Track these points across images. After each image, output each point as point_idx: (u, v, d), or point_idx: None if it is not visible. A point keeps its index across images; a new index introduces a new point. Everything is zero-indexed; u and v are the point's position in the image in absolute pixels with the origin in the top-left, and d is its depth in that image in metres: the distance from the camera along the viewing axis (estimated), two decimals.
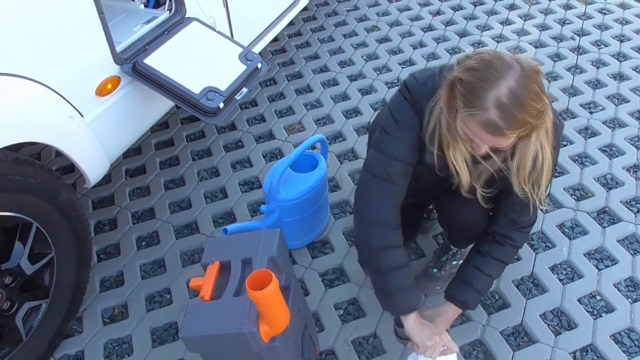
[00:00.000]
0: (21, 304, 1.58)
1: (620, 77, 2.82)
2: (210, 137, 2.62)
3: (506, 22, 3.32)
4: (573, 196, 2.19)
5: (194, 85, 1.84)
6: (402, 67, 2.99)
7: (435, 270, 1.85)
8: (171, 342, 1.81)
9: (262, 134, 2.62)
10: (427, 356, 1.45)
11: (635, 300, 1.82)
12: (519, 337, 1.74)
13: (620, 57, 2.96)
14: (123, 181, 2.42)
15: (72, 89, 1.57)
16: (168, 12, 2.00)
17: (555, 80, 2.82)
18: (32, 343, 1.64)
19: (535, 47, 3.08)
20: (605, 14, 3.33)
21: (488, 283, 1.55)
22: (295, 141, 2.54)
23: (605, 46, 3.05)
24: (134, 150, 2.57)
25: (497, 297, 1.86)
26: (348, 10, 3.56)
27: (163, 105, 2.02)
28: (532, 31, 3.22)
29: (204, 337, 1.28)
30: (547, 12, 3.39)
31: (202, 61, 1.96)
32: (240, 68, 1.99)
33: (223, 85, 1.90)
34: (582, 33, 3.17)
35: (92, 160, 1.69)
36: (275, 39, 3.20)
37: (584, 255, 1.97)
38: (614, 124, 2.53)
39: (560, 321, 1.78)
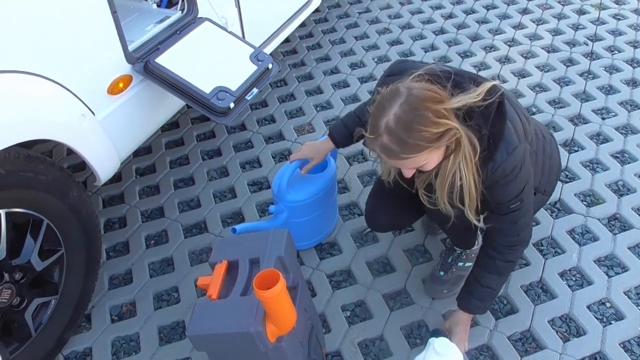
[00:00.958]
0: (31, 299, 1.59)
1: (633, 83, 2.79)
2: (220, 137, 2.63)
3: (519, 26, 3.31)
4: (584, 202, 2.17)
5: (205, 84, 1.84)
6: None
7: (442, 273, 1.84)
8: (178, 340, 1.81)
9: (272, 134, 2.63)
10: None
11: None
12: (527, 342, 1.73)
13: (634, 63, 2.93)
14: (133, 180, 2.44)
15: (84, 87, 1.58)
16: (180, 12, 2.01)
17: (567, 85, 2.80)
18: (40, 339, 1.65)
19: (548, 51, 3.06)
20: (619, 19, 3.31)
21: (490, 293, 1.60)
22: (305, 142, 2.53)
23: (619, 52, 3.02)
24: (145, 149, 2.58)
25: (505, 302, 1.85)
26: (360, 12, 3.56)
27: (173, 104, 2.03)
28: (544, 36, 3.20)
29: (210, 336, 1.29)
30: (560, 17, 3.37)
31: (213, 61, 1.97)
32: (251, 68, 2.00)
33: (234, 85, 1.91)
34: (595, 38, 3.15)
35: (103, 159, 1.70)
36: (287, 40, 3.21)
37: (594, 261, 1.95)
38: (627, 130, 2.51)
39: (569, 328, 1.76)
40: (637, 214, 2.11)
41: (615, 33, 3.18)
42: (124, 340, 1.83)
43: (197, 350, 1.37)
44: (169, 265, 2.07)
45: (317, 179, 1.93)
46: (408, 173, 1.37)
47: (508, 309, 1.83)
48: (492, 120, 1.31)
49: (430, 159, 1.28)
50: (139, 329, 1.85)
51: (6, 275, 1.50)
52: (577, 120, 2.58)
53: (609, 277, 1.90)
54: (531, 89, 2.79)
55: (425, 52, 3.13)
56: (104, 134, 1.68)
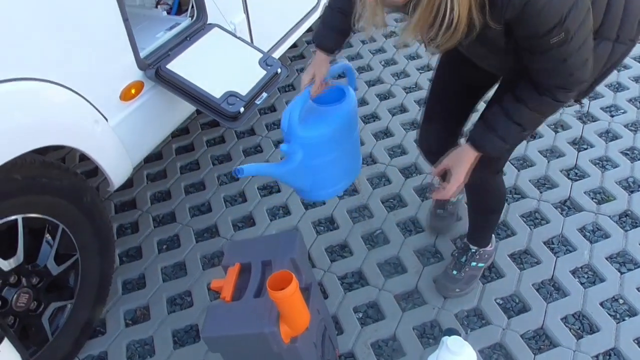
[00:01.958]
0: (47, 304, 1.62)
1: None
2: (230, 142, 2.66)
3: None
4: (594, 199, 2.17)
5: (215, 90, 1.87)
6: (420, 72, 2.99)
7: (455, 272, 1.84)
8: (192, 343, 1.83)
9: (281, 139, 2.64)
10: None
11: None
12: (540, 340, 1.73)
13: None
14: (144, 185, 2.46)
15: (97, 93, 1.61)
16: (190, 18, 2.04)
17: None
18: (57, 343, 1.67)
19: None
20: None
21: (516, 133, 1.32)
22: None
23: None
24: (155, 155, 2.61)
25: (517, 301, 1.85)
26: None
27: (184, 109, 2.06)
28: None
29: (225, 337, 1.30)
30: None
31: (223, 66, 2.00)
32: (260, 73, 2.02)
33: (243, 90, 1.93)
34: None
35: (116, 164, 1.72)
36: (294, 45, 3.23)
37: (606, 258, 1.95)
38: (636, 127, 2.50)
39: (582, 325, 1.76)
40: None
41: None
42: (138, 344, 1.85)
43: (212, 352, 1.39)
44: (181, 269, 2.09)
45: (333, 111, 1.62)
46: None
47: (520, 307, 1.83)
48: None
49: None
50: (153, 333, 1.87)
51: (23, 280, 1.52)
52: (586, 118, 2.58)
53: (622, 273, 1.89)
54: None
55: (433, 53, 3.14)
56: (116, 139, 1.70)
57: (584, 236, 2.03)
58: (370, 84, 2.95)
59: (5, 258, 1.46)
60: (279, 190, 2.36)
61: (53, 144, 1.48)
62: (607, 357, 1.67)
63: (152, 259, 2.12)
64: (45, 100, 1.45)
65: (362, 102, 2.83)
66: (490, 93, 1.54)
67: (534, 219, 2.12)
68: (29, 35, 1.39)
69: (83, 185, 1.63)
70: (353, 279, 1.98)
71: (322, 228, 2.17)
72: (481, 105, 1.59)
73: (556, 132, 2.51)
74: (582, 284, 1.87)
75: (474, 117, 1.53)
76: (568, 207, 2.15)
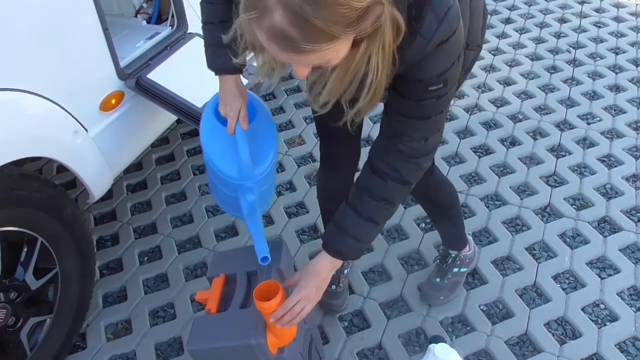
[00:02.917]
0: (26, 319, 1.57)
1: (616, 88, 2.85)
2: None
3: (502, 35, 3.36)
4: (573, 206, 2.20)
5: (196, 99, 1.85)
6: None
7: (438, 280, 1.85)
8: (175, 357, 1.80)
9: None
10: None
11: (639, 309, 1.82)
12: (524, 346, 1.74)
13: (616, 69, 2.99)
14: (124, 196, 2.42)
15: (77, 104, 1.58)
16: (170, 28, 2.03)
17: (552, 92, 2.85)
18: (36, 359, 1.63)
19: (532, 59, 3.12)
20: (600, 27, 3.38)
21: (370, 229, 1.21)
22: (296, 155, 2.55)
23: (601, 58, 3.08)
24: (135, 166, 2.57)
25: (500, 307, 1.86)
26: None
27: (165, 119, 2.04)
28: (528, 44, 3.26)
29: (211, 349, 1.28)
30: (542, 25, 3.44)
31: (204, 76, 1.97)
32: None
33: None
34: (577, 46, 3.22)
35: (97, 175, 1.70)
36: None
37: (586, 264, 1.98)
38: (612, 134, 2.55)
39: (565, 330, 1.78)
40: (626, 216, 2.14)
41: (597, 40, 3.25)
42: (120, 359, 1.81)
43: None
44: (163, 281, 2.06)
45: (256, 129, 1.42)
46: (302, 72, 0.93)
47: (504, 313, 1.84)
48: None
49: (339, 51, 0.86)
50: (135, 347, 1.83)
51: (1, 295, 1.48)
52: (563, 125, 2.62)
53: (602, 279, 1.92)
54: (517, 97, 2.84)
55: None
56: (97, 150, 1.67)
57: (565, 242, 2.06)
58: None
59: None
60: None
61: (31, 156, 1.45)
62: None
63: (133, 271, 2.09)
64: (23, 111, 1.42)
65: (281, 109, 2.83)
66: None
67: (515, 225, 2.15)
68: (6, 45, 1.36)
69: (63, 198, 1.60)
70: None
71: (305, 237, 2.16)
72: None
73: (535, 139, 2.55)
74: (563, 289, 1.90)
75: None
76: (548, 213, 2.18)
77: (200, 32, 1.98)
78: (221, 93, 1.37)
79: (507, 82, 2.95)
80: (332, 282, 1.84)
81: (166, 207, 2.36)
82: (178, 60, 1.93)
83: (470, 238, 1.93)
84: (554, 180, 2.33)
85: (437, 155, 1.45)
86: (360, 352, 1.76)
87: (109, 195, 2.41)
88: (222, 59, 1.27)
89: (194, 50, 2.01)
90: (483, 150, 2.51)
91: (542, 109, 2.74)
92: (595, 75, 2.95)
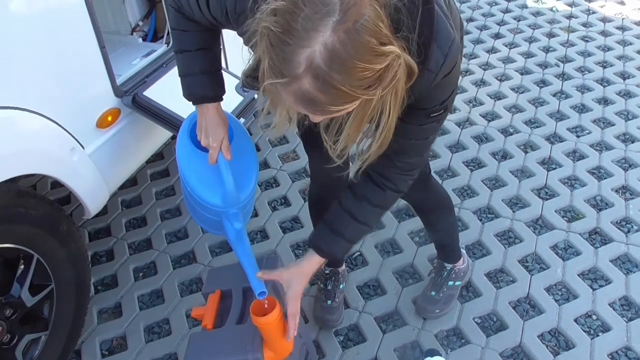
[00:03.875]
0: (22, 336, 1.57)
1: (604, 101, 2.90)
2: None
3: (492, 50, 3.42)
4: (564, 218, 2.23)
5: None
6: None
7: (433, 293, 1.86)
8: None
9: None
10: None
11: (630, 319, 1.84)
12: (518, 358, 1.75)
13: (604, 82, 3.05)
14: (119, 212, 2.43)
15: (74, 121, 1.59)
16: (166, 45, 2.05)
17: (542, 105, 2.90)
18: None
19: (521, 74, 3.17)
20: (587, 41, 3.44)
21: (363, 232, 1.29)
22: (290, 170, 2.57)
23: (589, 72, 3.14)
24: (130, 182, 2.58)
25: (495, 319, 1.88)
26: None
27: (161, 136, 2.05)
28: (517, 59, 3.31)
29: None
30: (531, 40, 3.50)
31: None
32: (237, 99, 2.04)
33: None
34: (565, 60, 3.27)
35: (93, 192, 1.70)
36: None
37: (578, 275, 2.00)
38: (601, 146, 2.59)
39: (558, 341, 1.80)
40: (617, 227, 2.17)
41: (585, 54, 3.31)
42: None
43: None
44: (158, 297, 2.06)
45: (236, 151, 1.40)
46: (319, 119, 0.97)
47: (498, 326, 1.86)
48: (420, 12, 0.91)
49: (358, 104, 0.90)
50: None
51: None
52: (553, 138, 2.66)
53: (594, 290, 1.94)
54: (507, 110, 2.88)
55: None
56: (93, 167, 1.68)
57: (557, 254, 2.08)
58: None
59: None
60: (256, 215, 2.35)
61: (29, 173, 1.46)
62: None
63: (128, 287, 2.09)
64: (21, 129, 1.43)
65: None
66: None
67: (508, 237, 2.17)
68: (4, 63, 1.37)
69: (59, 214, 1.61)
70: None
71: (300, 252, 2.17)
72: None
73: (526, 152, 2.59)
74: (556, 300, 1.92)
75: None
76: (540, 225, 2.21)
77: None
78: (201, 122, 1.33)
79: (497, 96, 2.99)
80: (327, 297, 1.86)
81: (161, 222, 2.36)
82: (174, 77, 1.94)
83: (463, 251, 1.95)
84: (545, 193, 2.36)
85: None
86: None
87: (103, 211, 2.39)
88: (200, 87, 1.28)
89: None
90: (475, 164, 2.55)
91: (533, 123, 2.78)
92: (583, 89, 3.00)
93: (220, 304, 1.43)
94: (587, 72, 3.14)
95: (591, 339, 1.79)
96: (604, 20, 3.67)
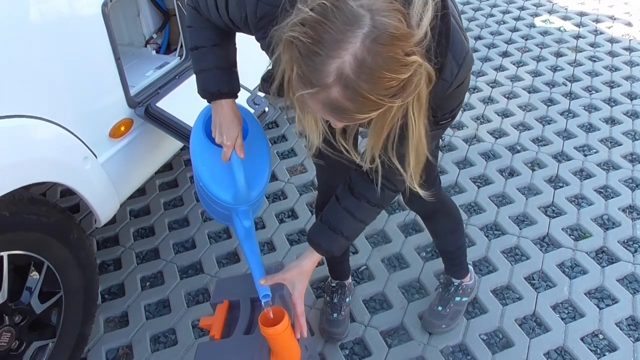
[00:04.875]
0: (30, 343, 1.58)
1: (612, 121, 2.91)
2: None
3: (500, 68, 3.44)
4: (571, 236, 2.23)
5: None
6: None
7: (440, 308, 1.86)
8: None
9: None
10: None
11: (637, 339, 1.84)
12: None
13: (611, 102, 3.06)
14: (127, 222, 2.45)
15: (87, 130, 1.62)
16: (179, 58, 2.08)
17: (549, 124, 2.91)
18: None
19: (529, 92, 3.19)
20: (595, 61, 3.47)
21: (360, 229, 1.33)
22: (298, 182, 2.59)
23: (596, 92, 3.16)
24: (139, 191, 2.59)
25: (501, 336, 1.87)
26: None
27: (172, 146, 2.08)
28: (525, 77, 3.33)
29: None
30: (539, 59, 3.52)
31: None
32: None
33: None
34: (573, 79, 3.29)
35: (104, 200, 1.72)
36: None
37: (585, 294, 1.99)
38: (608, 166, 2.60)
39: None
40: (623, 246, 2.17)
41: (592, 74, 3.33)
42: None
43: None
44: (165, 306, 2.07)
45: (249, 148, 1.39)
46: (340, 125, 1.03)
47: (504, 343, 1.85)
48: (438, 23, 0.94)
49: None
50: None
51: (6, 319, 1.49)
52: (561, 157, 2.67)
53: (600, 309, 1.94)
54: (515, 128, 2.89)
55: None
56: (105, 176, 1.71)
57: (563, 272, 2.08)
58: None
59: None
60: (263, 227, 2.37)
61: (42, 181, 1.48)
62: None
63: (135, 296, 2.10)
64: (36, 137, 1.46)
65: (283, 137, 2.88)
66: None
67: (515, 254, 2.17)
68: (21, 72, 1.40)
69: (70, 222, 1.62)
70: None
71: None
72: None
73: (533, 170, 2.59)
74: (562, 319, 1.91)
75: None
76: (547, 243, 2.21)
77: None
78: (215, 120, 1.35)
79: (505, 114, 3.01)
80: (333, 310, 1.86)
81: (169, 232, 2.38)
82: (186, 89, 1.97)
83: (470, 267, 1.95)
84: (552, 211, 2.36)
85: None
86: None
87: (112, 220, 2.41)
88: (215, 83, 1.30)
89: None
90: (482, 181, 2.56)
91: (540, 141, 2.79)
92: (591, 108, 3.02)
93: (228, 315, 1.43)
94: (594, 92, 3.16)
95: (598, 359, 1.78)
96: (612, 40, 3.69)
